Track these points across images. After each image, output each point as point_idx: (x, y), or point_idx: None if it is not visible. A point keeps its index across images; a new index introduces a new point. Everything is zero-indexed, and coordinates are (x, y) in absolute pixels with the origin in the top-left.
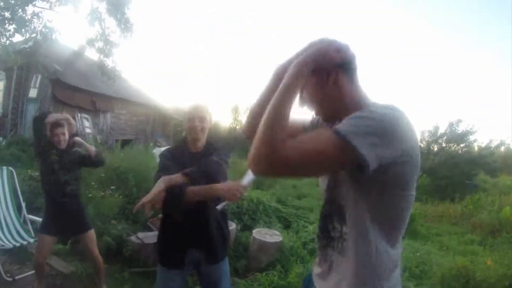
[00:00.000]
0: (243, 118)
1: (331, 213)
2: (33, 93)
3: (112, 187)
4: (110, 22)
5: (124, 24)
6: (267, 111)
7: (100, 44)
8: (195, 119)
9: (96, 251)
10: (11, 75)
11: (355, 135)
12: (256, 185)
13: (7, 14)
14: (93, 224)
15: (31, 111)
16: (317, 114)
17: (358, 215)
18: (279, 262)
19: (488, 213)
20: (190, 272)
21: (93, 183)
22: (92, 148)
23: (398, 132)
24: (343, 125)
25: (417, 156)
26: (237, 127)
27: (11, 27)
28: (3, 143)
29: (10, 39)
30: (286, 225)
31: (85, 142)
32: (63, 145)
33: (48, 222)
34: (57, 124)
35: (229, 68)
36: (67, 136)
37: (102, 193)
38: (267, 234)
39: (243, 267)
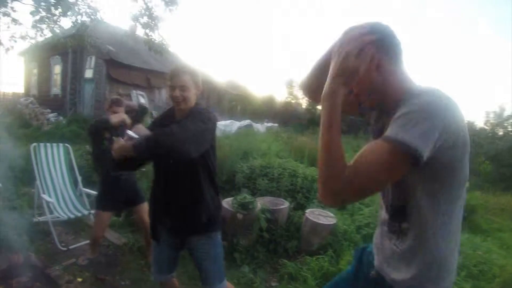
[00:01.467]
0: (299, 92)
1: (392, 211)
2: (89, 73)
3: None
4: None
5: None
6: (320, 151)
7: (145, 19)
8: (175, 89)
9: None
10: (66, 59)
11: (404, 133)
12: (311, 162)
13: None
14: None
15: (88, 90)
16: (363, 102)
17: (418, 209)
18: (331, 246)
19: None
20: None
21: None
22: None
23: (444, 117)
24: (390, 131)
25: (466, 140)
26: (292, 101)
27: (57, 12)
28: (64, 122)
29: (58, 23)
30: (341, 206)
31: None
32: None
33: (104, 198)
34: (116, 102)
35: (283, 41)
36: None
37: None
38: (321, 215)
39: (294, 248)
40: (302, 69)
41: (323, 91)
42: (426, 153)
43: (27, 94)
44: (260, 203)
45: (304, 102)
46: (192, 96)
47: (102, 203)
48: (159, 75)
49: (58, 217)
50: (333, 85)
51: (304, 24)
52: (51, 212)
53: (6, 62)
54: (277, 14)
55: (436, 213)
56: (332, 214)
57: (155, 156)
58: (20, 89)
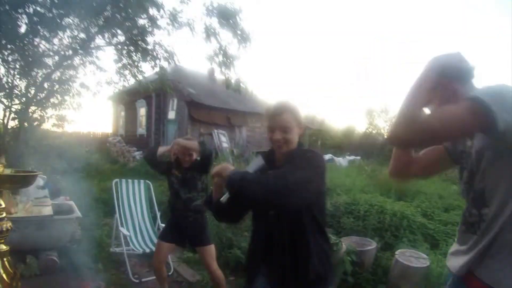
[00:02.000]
0: (380, 121)
1: (469, 202)
2: (171, 115)
3: None
4: (225, 35)
5: (240, 35)
6: (405, 99)
7: (220, 58)
8: (275, 130)
9: (214, 265)
10: (150, 102)
11: (485, 96)
12: (398, 196)
13: (131, 48)
14: (223, 235)
15: (171, 130)
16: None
17: (498, 192)
18: None
19: None
20: None
21: None
22: (193, 143)
23: None
24: (477, 92)
25: None
26: (373, 131)
27: (136, 57)
28: None
29: (139, 69)
30: (433, 244)
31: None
32: (187, 164)
33: (167, 230)
34: (187, 151)
35: (359, 69)
36: (193, 157)
37: None
38: (412, 257)
39: None
40: (381, 97)
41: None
42: (501, 122)
43: (115, 134)
44: (346, 243)
45: (385, 132)
46: (295, 136)
47: (163, 233)
48: (238, 114)
49: (133, 250)
50: (428, 73)
51: (381, 50)
52: (127, 245)
53: (95, 106)
54: (352, 42)
55: None
56: (425, 255)
57: (246, 200)
58: (108, 129)
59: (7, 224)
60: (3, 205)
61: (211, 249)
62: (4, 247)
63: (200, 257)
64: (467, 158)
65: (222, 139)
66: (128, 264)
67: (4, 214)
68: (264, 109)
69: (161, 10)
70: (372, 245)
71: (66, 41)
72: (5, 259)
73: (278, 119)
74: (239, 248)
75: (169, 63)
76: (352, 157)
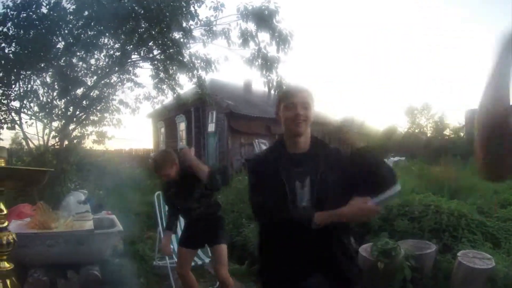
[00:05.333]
0: (421, 119)
1: None
2: (211, 127)
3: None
4: (263, 36)
5: (278, 37)
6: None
7: (259, 61)
8: (297, 106)
9: (222, 271)
10: (189, 116)
11: None
12: (451, 194)
13: (167, 62)
14: None
15: (212, 143)
16: None
17: None
18: None
19: None
20: None
21: None
22: (203, 168)
23: None
24: None
25: None
26: (416, 130)
27: (172, 70)
28: None
29: (177, 81)
30: (495, 243)
31: (192, 158)
32: (174, 176)
33: (184, 236)
34: (156, 170)
35: (398, 65)
36: (174, 170)
37: None
38: (476, 258)
39: None
40: (421, 94)
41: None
42: None
43: (156, 149)
44: (403, 248)
45: (428, 130)
46: (311, 120)
47: (181, 240)
48: (278, 122)
49: None
50: None
51: (419, 46)
52: (170, 258)
53: (136, 123)
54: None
55: None
56: (488, 256)
57: None
58: (149, 145)
59: (10, 236)
60: (5, 211)
61: (223, 249)
62: (7, 265)
63: (212, 259)
64: None
65: (263, 148)
66: (172, 278)
67: (6, 224)
68: (282, 91)
69: (196, 19)
70: (431, 248)
71: (102, 60)
72: (8, 280)
73: (300, 96)
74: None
75: (206, 72)
76: (396, 158)
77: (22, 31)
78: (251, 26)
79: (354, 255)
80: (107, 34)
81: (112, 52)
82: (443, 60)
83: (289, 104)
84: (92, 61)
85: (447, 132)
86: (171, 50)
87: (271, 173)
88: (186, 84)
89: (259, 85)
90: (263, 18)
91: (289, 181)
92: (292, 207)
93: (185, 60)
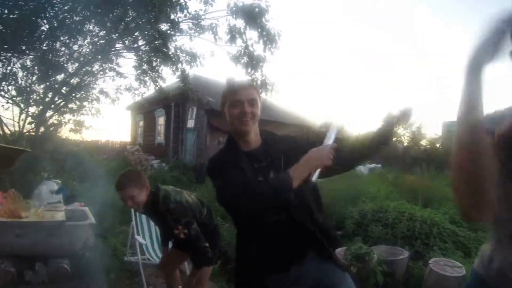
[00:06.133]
0: (399, 128)
1: None
2: (190, 123)
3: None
4: (251, 34)
5: (266, 36)
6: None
7: (245, 59)
8: (244, 103)
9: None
10: (169, 111)
11: None
12: (424, 203)
13: (152, 53)
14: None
15: (190, 139)
16: None
17: None
18: None
19: None
20: None
21: None
22: (200, 244)
23: None
24: None
25: None
26: (393, 139)
27: (156, 62)
28: (166, 168)
29: (159, 74)
30: (465, 252)
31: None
32: (140, 209)
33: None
34: (119, 187)
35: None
36: (139, 199)
37: None
38: (447, 266)
39: None
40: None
41: None
42: None
43: (133, 143)
44: (376, 253)
45: (405, 139)
46: (259, 116)
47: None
48: (259, 123)
49: (149, 260)
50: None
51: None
52: (142, 254)
53: (115, 115)
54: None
55: None
56: (459, 264)
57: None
58: (127, 138)
59: None
60: None
61: (206, 270)
62: None
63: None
64: None
65: None
66: (143, 275)
67: None
68: (226, 85)
69: (185, 11)
70: (403, 254)
71: (86, 47)
72: None
73: (246, 92)
74: None
75: (191, 66)
76: (372, 165)
77: (6, 11)
78: (240, 23)
79: (333, 234)
80: (93, 20)
81: (96, 39)
82: (423, 70)
83: (235, 101)
84: (75, 47)
85: (423, 142)
86: (156, 42)
87: (235, 170)
88: (168, 78)
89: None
90: (252, 16)
91: (253, 177)
92: (265, 180)
93: (170, 52)
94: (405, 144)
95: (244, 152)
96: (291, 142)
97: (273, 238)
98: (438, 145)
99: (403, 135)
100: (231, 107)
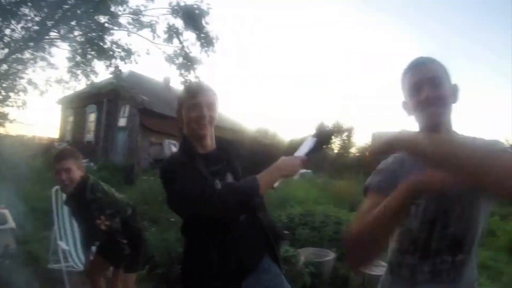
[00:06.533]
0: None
1: (441, 247)
2: (122, 122)
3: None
4: (189, 35)
5: (204, 38)
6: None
7: (180, 60)
8: (202, 106)
9: None
10: (101, 107)
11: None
12: (351, 207)
13: (87, 45)
14: (173, 250)
15: (121, 138)
16: None
17: (472, 238)
18: None
19: None
20: None
21: None
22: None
23: None
24: None
25: None
26: (324, 146)
27: (91, 55)
28: (94, 168)
29: (92, 68)
30: None
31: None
32: (69, 188)
33: None
34: (58, 157)
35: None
36: (74, 175)
37: None
38: (374, 266)
39: None
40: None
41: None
42: None
43: (61, 139)
44: (303, 255)
45: (335, 146)
46: (216, 119)
47: None
48: (180, 123)
49: (74, 267)
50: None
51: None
52: (66, 261)
53: (43, 108)
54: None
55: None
56: (384, 263)
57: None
58: (55, 134)
59: None
60: None
61: (131, 278)
62: None
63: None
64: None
65: (172, 149)
66: (68, 283)
67: None
68: (184, 88)
69: (125, 5)
70: (330, 256)
71: (18, 32)
72: None
73: (205, 95)
74: None
75: (125, 62)
76: (303, 171)
77: None
78: (179, 23)
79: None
80: (29, 3)
81: (30, 24)
82: (357, 80)
83: (193, 104)
84: (7, 32)
85: (353, 150)
86: (93, 34)
87: (191, 171)
88: (102, 73)
89: (178, 84)
90: (193, 17)
91: (210, 180)
92: (232, 184)
93: (105, 46)
94: (336, 151)
95: (200, 155)
96: (244, 146)
97: (234, 241)
98: (367, 153)
99: (334, 142)
100: (189, 110)
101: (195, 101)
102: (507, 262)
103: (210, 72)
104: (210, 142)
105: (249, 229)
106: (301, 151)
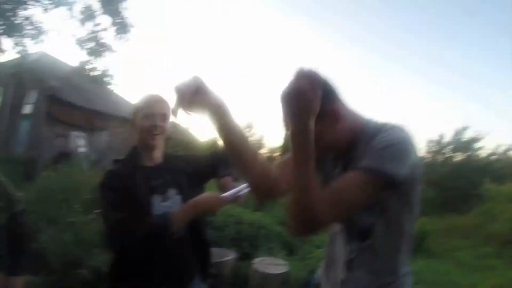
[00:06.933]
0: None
1: (351, 236)
2: (27, 109)
3: (96, 211)
4: (103, 19)
5: (120, 24)
6: (296, 183)
7: (91, 44)
8: (156, 116)
9: None
10: (6, 91)
11: (385, 164)
12: (255, 206)
13: None
14: (71, 253)
15: (25, 127)
16: (331, 153)
17: (378, 225)
18: None
19: (502, 222)
20: None
21: (76, 206)
22: None
23: (412, 153)
24: (372, 162)
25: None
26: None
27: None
28: None
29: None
30: (290, 250)
31: None
32: None
33: None
34: None
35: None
36: None
37: (85, 218)
38: (271, 264)
39: None
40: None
41: (292, 131)
42: (401, 179)
43: None
44: None
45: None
46: (167, 131)
47: None
48: (102, 116)
49: None
50: (302, 122)
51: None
52: None
53: None
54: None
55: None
56: (283, 262)
57: None
58: None
59: None
60: None
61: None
62: None
63: None
64: None
65: (79, 142)
66: None
67: None
68: (142, 98)
69: None
70: (229, 256)
71: None
72: None
73: (159, 106)
74: (87, 267)
75: (35, 42)
76: None
77: None
78: (96, 5)
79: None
80: None
81: None
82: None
83: (148, 114)
84: None
85: (264, 150)
86: (5, 6)
87: (128, 188)
88: (9, 52)
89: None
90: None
91: (148, 195)
92: (149, 219)
93: (16, 22)
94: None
95: (145, 167)
96: (191, 161)
97: (169, 256)
98: (278, 153)
99: None
100: (142, 119)
101: (150, 110)
102: None
103: (123, 61)
104: (158, 155)
105: (178, 252)
106: (229, 192)
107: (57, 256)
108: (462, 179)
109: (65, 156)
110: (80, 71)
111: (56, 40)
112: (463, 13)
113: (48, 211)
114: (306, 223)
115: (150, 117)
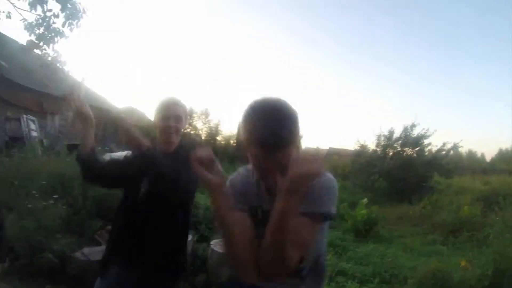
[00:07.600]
0: (199, 123)
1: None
2: None
3: (55, 196)
4: (54, 5)
5: (70, 10)
6: (277, 239)
7: (41, 30)
8: (169, 118)
9: None
10: None
11: (329, 206)
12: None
13: None
14: (34, 238)
15: None
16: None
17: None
18: None
19: (447, 213)
20: None
21: (34, 192)
22: None
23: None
24: (324, 207)
25: None
26: (192, 132)
27: None
28: None
29: None
30: None
31: None
32: None
33: None
34: None
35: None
36: None
37: (44, 203)
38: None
39: (202, 283)
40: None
41: (283, 207)
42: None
43: None
44: None
45: (203, 133)
46: (182, 129)
47: None
48: (54, 99)
49: None
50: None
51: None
52: None
53: None
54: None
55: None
56: None
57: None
58: None
59: None
60: None
61: None
62: None
63: None
64: None
65: (31, 126)
66: None
67: None
68: (161, 101)
69: None
70: (188, 238)
71: None
72: None
73: (173, 109)
74: (51, 251)
75: None
76: None
77: None
78: None
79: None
80: None
81: None
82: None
83: (164, 116)
84: None
85: (219, 138)
86: None
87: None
88: None
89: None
90: None
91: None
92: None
93: None
94: (203, 137)
95: (162, 151)
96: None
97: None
98: (232, 141)
99: (202, 129)
100: (161, 120)
101: (166, 113)
102: (352, 240)
103: (75, 48)
104: (173, 146)
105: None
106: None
107: (21, 242)
108: (411, 172)
109: (17, 140)
110: (31, 53)
111: (5, 20)
112: (412, 13)
113: (5, 198)
114: (285, 268)
115: (165, 119)
